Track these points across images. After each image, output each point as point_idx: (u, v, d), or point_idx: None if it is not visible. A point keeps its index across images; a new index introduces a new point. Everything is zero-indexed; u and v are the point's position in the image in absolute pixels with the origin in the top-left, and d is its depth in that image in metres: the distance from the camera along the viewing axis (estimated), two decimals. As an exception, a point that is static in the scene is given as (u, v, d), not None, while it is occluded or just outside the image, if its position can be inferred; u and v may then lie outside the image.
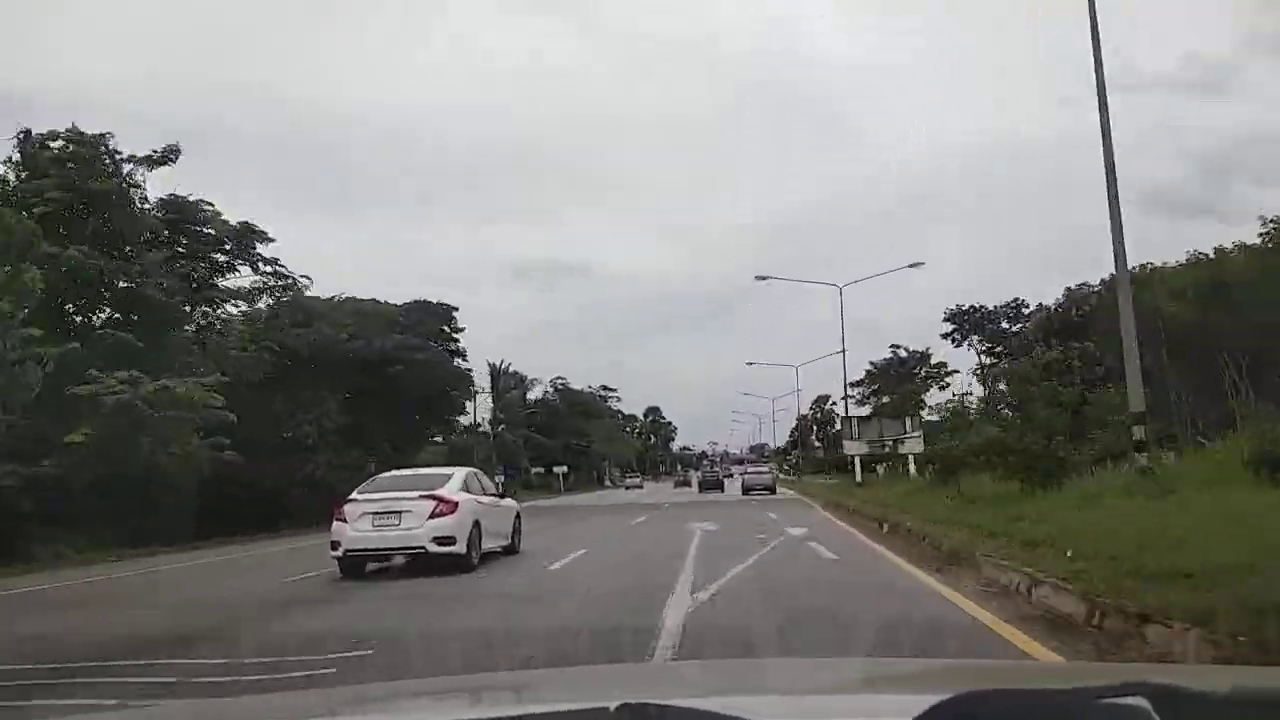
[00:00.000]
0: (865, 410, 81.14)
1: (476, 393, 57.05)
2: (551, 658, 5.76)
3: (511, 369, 72.67)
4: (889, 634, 6.13)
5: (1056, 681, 1.82)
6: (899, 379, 74.38)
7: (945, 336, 67.20)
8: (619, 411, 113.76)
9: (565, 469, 70.28)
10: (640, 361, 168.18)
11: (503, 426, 66.76)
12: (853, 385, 79.64)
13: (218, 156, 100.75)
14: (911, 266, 42.73)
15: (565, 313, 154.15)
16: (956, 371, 72.67)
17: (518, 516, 14.75)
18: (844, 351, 41.28)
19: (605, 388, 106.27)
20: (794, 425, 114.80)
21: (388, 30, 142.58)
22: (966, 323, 66.18)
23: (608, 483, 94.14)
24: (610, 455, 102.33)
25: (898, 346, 78.73)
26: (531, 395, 79.94)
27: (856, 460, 38.76)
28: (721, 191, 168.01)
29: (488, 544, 13.06)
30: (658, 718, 1.01)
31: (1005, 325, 63.43)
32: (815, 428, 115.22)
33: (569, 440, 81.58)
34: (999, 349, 62.67)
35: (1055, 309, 48.59)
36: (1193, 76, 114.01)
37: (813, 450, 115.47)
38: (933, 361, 78.90)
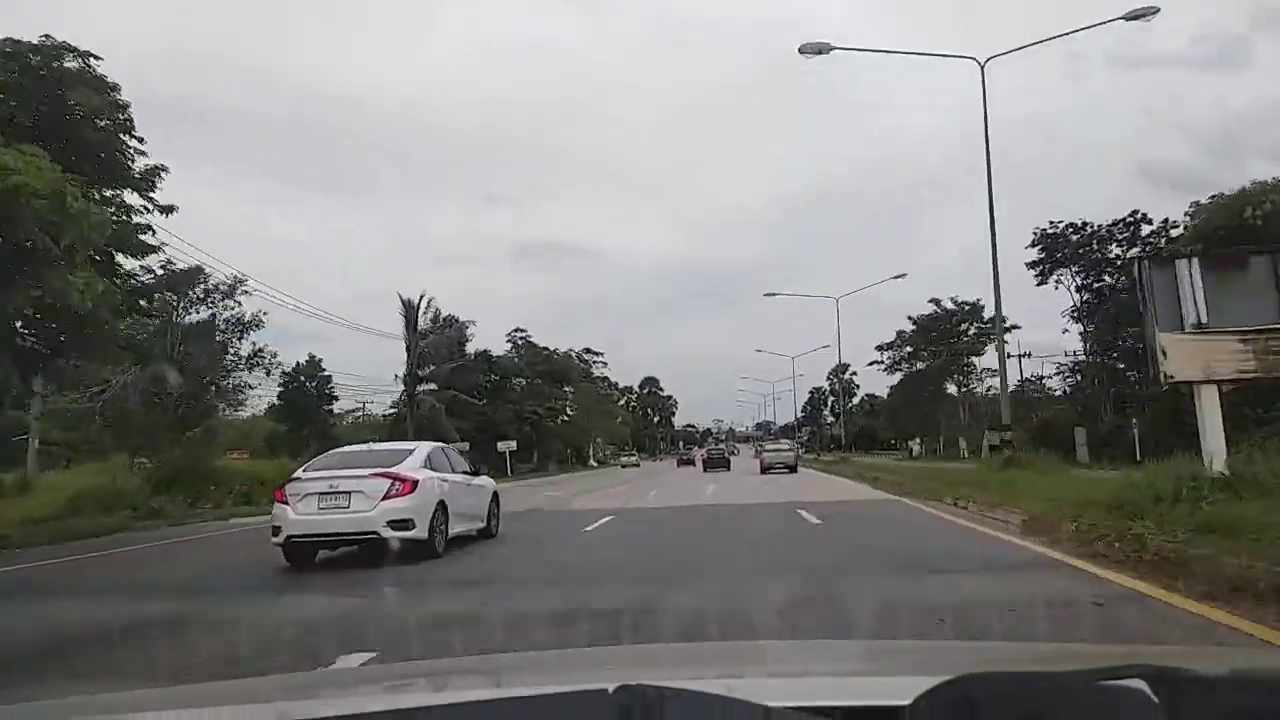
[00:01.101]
0: (897, 376, 73.87)
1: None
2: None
3: (445, 314, 55.94)
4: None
5: (1054, 663, 1.83)
6: (941, 337, 67.31)
7: (1033, 267, 49.76)
8: (605, 379, 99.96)
9: (513, 445, 51.88)
10: (641, 342, 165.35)
11: (428, 387, 50.21)
12: (882, 349, 73.30)
13: (217, 137, 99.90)
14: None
15: (565, 293, 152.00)
16: (1016, 327, 61.13)
17: (495, 497, 13.27)
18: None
19: (589, 350, 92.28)
20: (807, 398, 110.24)
21: (388, 10, 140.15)
22: (1061, 249, 49.01)
23: (593, 462, 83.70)
24: (596, 430, 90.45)
25: (937, 301, 69.42)
26: (474, 347, 61.55)
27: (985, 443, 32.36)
28: (727, 173, 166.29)
29: (457, 527, 11.65)
30: (656, 698, 0.98)
31: (1117, 251, 47.37)
32: (838, 399, 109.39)
33: (526, 407, 64.80)
34: (1107, 282, 47.87)
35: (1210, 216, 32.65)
36: (1206, 52, 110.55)
37: (825, 427, 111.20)
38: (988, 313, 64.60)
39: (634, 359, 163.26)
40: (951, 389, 72.05)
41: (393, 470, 10.65)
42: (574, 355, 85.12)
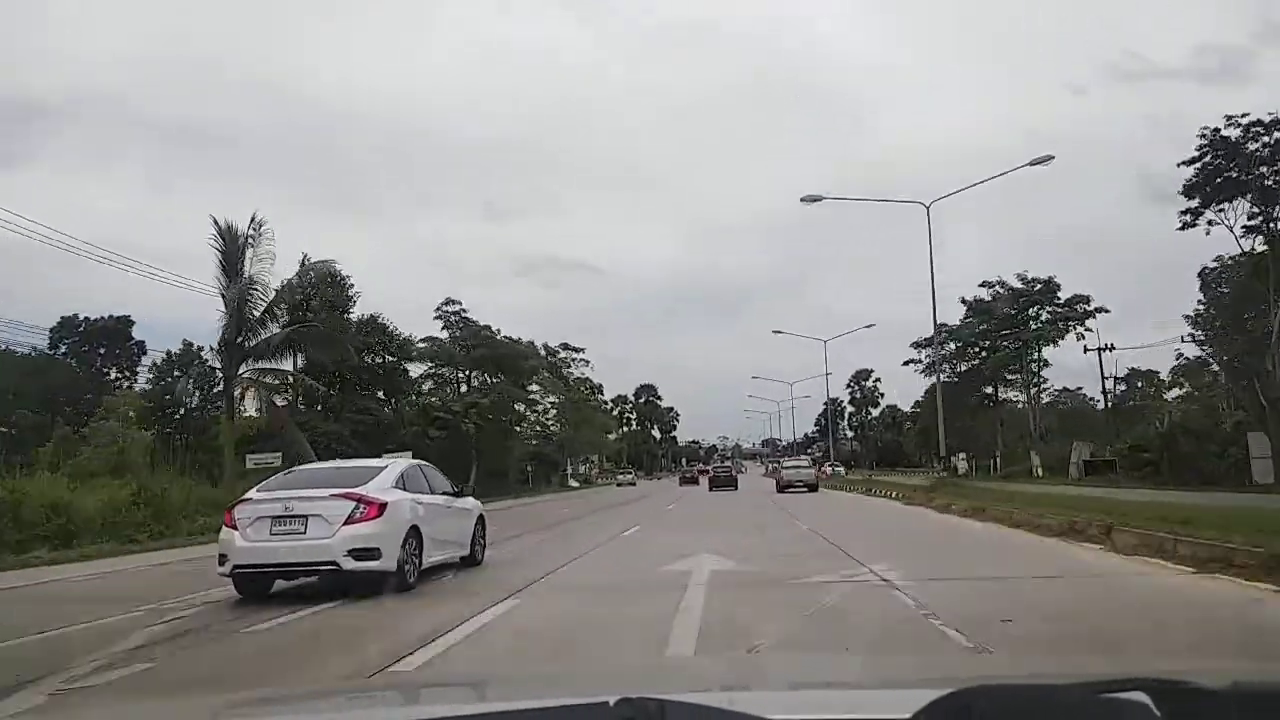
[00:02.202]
0: (934, 378, 63.66)
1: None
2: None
3: (315, 260, 35.62)
4: None
5: (1056, 676, 1.82)
6: (999, 327, 57.07)
7: (1189, 193, 34.97)
8: (587, 381, 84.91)
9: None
10: (642, 356, 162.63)
11: (261, 366, 31.01)
12: (919, 345, 65.41)
13: (219, 151, 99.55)
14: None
15: (568, 308, 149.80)
16: (1100, 312, 53.51)
17: (480, 521, 11.97)
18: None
19: (566, 345, 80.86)
20: (822, 409, 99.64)
21: (389, 22, 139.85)
22: (1231, 170, 33.54)
23: (574, 483, 73.47)
24: (581, 443, 78.29)
25: (993, 285, 58.00)
26: (358, 315, 43.04)
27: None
28: (730, 185, 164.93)
29: (435, 555, 10.41)
30: (657, 713, 0.98)
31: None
32: (856, 410, 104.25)
33: (445, 406, 49.11)
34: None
35: None
36: (1207, 65, 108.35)
37: (843, 441, 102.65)
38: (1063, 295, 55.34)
39: (635, 376, 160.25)
40: (1012, 394, 63.73)
41: (357, 491, 9.38)
42: (542, 347, 73.38)
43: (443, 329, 56.73)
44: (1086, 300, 56.68)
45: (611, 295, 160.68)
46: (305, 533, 9.10)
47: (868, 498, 31.21)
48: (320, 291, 37.83)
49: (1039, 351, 58.88)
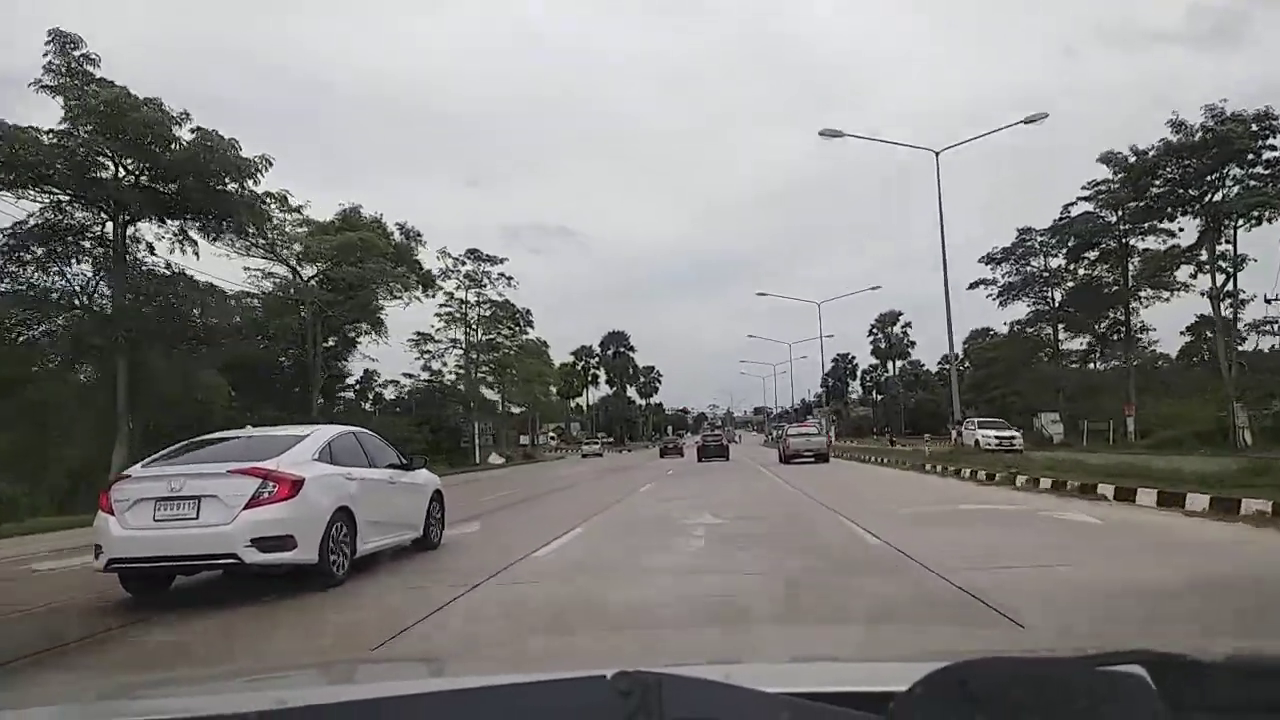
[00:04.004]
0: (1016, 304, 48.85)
1: None
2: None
3: None
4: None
5: (1051, 649, 1.85)
6: (1150, 206, 37.17)
7: None
8: (511, 307, 59.00)
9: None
10: (632, 326, 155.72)
11: None
12: (993, 260, 48.50)
13: (201, 120, 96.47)
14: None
15: (555, 276, 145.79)
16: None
17: (436, 497, 10.17)
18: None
19: (474, 252, 56.80)
20: (831, 366, 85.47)
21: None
22: None
23: (496, 458, 53.32)
24: (483, 401, 57.14)
25: (1065, 214, 42.82)
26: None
27: None
28: (724, 155, 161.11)
29: (375, 540, 8.68)
30: (654, 684, 0.97)
31: None
32: (883, 362, 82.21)
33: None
34: None
35: None
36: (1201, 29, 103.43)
37: (850, 405, 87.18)
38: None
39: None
40: (1153, 322, 44.99)
41: (264, 466, 7.56)
42: (440, 255, 52.28)
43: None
44: (1175, 247, 39.42)
45: (600, 265, 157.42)
46: (196, 518, 7.29)
47: (914, 474, 24.08)
48: None
49: (1234, 232, 35.80)
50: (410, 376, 54.84)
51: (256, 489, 7.40)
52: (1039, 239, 47.59)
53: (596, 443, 71.81)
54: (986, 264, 50.23)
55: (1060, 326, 49.47)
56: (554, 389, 73.61)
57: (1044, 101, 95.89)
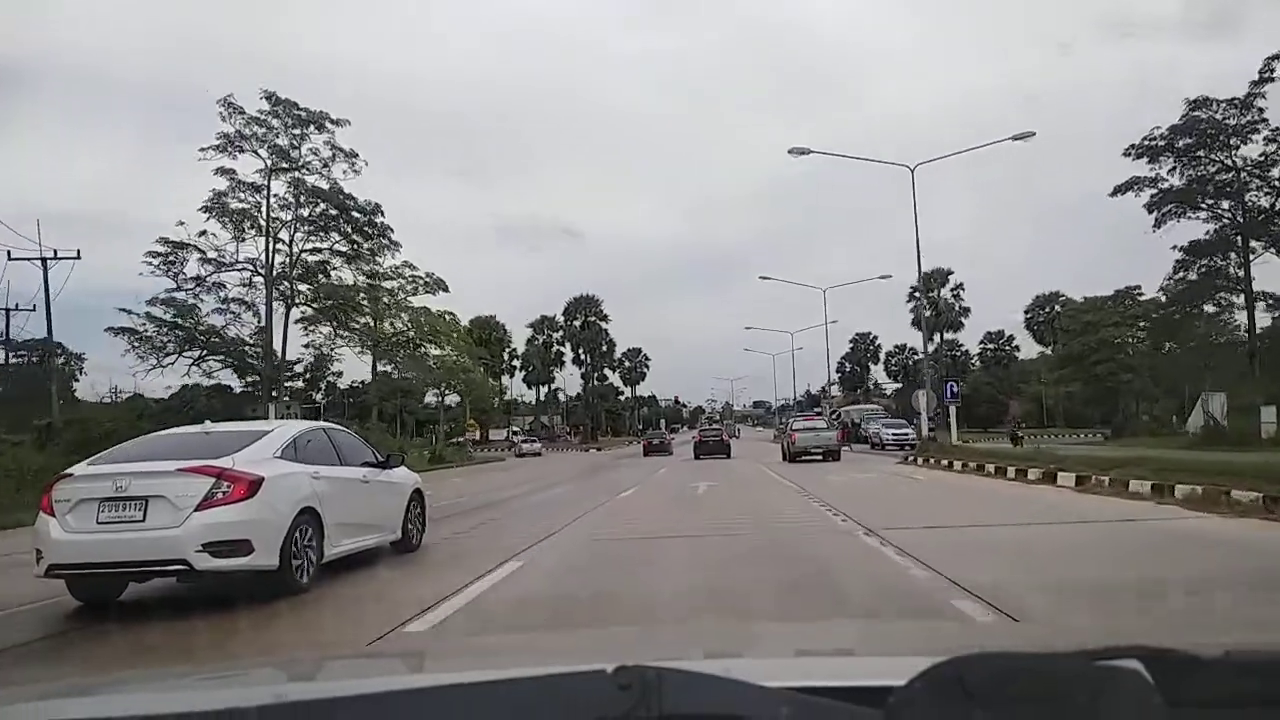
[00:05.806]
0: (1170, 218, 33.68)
1: None
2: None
3: None
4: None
5: (1050, 644, 1.84)
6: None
7: None
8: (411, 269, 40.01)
9: None
10: (629, 320, 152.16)
11: None
12: (1140, 152, 33.89)
13: (193, 117, 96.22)
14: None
15: (551, 273, 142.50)
16: None
17: (416, 496, 9.58)
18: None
19: (282, 101, 35.07)
20: (848, 349, 76.12)
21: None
22: None
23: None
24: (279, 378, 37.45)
25: (1199, 109, 31.64)
26: None
27: None
28: (720, 153, 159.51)
29: (347, 543, 8.14)
30: (654, 678, 0.97)
31: None
32: (931, 335, 56.76)
33: None
34: None
35: None
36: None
37: (870, 394, 75.09)
38: None
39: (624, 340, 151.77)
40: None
41: (218, 464, 6.97)
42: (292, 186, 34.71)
43: None
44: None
45: (595, 259, 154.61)
46: (143, 520, 6.70)
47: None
48: None
49: None
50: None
51: (209, 489, 6.81)
52: (1226, 113, 31.78)
53: (536, 441, 61.13)
54: (1137, 159, 35.10)
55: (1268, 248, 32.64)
56: (468, 360, 46.34)
57: (1041, 97, 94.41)
